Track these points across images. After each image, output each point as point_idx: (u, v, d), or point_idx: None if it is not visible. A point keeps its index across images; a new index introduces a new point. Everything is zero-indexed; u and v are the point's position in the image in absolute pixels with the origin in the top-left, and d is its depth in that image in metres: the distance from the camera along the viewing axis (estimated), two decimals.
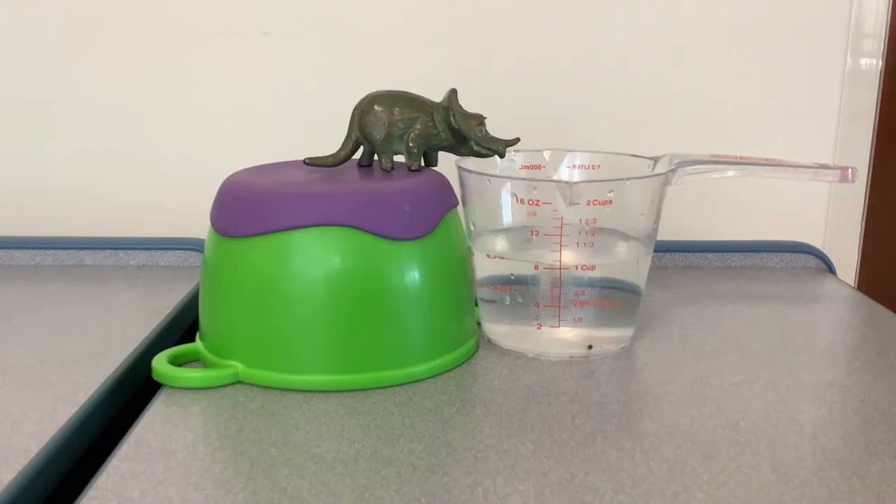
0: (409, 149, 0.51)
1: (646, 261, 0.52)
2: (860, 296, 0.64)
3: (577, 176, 0.56)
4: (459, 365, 0.50)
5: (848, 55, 0.76)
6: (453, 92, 0.50)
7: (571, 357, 0.51)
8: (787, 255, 0.71)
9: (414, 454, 0.39)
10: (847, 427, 0.42)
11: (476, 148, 0.51)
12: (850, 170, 0.54)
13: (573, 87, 0.76)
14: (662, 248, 0.70)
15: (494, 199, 0.51)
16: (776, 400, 0.45)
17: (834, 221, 0.80)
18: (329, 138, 0.54)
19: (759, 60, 0.76)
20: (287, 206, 0.46)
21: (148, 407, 0.44)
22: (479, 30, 0.75)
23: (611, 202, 0.48)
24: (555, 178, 0.56)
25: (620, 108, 0.76)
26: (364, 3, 0.74)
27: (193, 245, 0.69)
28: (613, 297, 0.51)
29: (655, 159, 0.54)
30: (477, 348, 0.52)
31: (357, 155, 0.53)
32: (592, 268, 0.49)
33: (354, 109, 0.51)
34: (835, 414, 0.44)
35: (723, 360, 0.51)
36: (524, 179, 0.53)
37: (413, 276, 0.47)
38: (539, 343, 0.51)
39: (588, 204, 0.48)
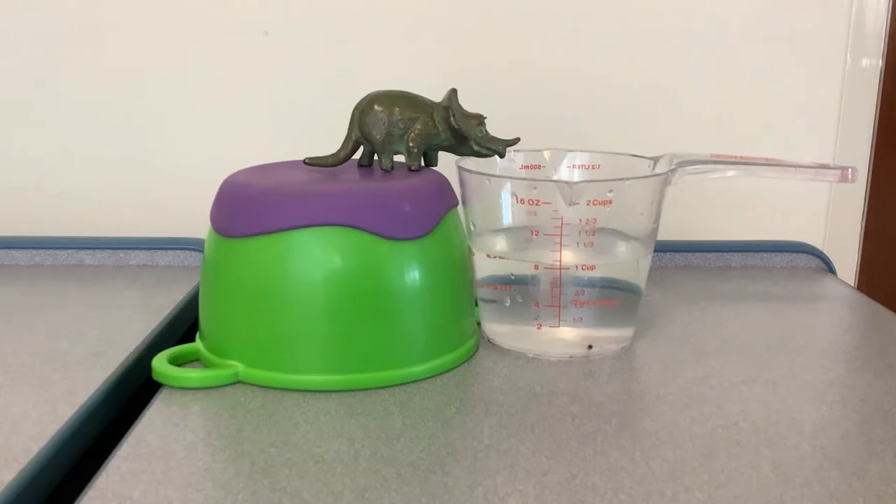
0: (409, 149, 0.51)
1: (646, 261, 0.52)
2: (860, 296, 0.64)
3: (577, 176, 0.56)
4: (459, 365, 0.50)
5: (848, 55, 0.76)
6: (453, 92, 0.50)
7: (571, 357, 0.51)
8: (787, 255, 0.71)
9: (414, 454, 0.39)
10: (847, 427, 0.42)
11: (476, 148, 0.51)
12: (850, 170, 0.54)
13: (573, 87, 0.76)
14: (662, 248, 0.70)
15: (494, 199, 0.51)
16: (776, 400, 0.45)
17: (834, 221, 0.80)
18: (329, 138, 0.54)
19: (760, 60, 0.76)
20: (287, 206, 0.46)
21: (148, 407, 0.44)
22: (480, 30, 0.75)
23: (611, 202, 0.48)
24: (555, 178, 0.56)
25: (620, 108, 0.76)
26: (365, 3, 0.74)
27: (193, 245, 0.69)
28: (613, 297, 0.51)
29: (655, 159, 0.54)
30: (477, 348, 0.52)
31: (357, 155, 0.53)
32: (592, 268, 0.49)
33: (354, 109, 0.51)
34: (835, 414, 0.44)
35: (723, 360, 0.51)
36: (524, 179, 0.53)
37: (413, 276, 0.47)
38: (539, 343, 0.51)
39: (588, 204, 0.48)
